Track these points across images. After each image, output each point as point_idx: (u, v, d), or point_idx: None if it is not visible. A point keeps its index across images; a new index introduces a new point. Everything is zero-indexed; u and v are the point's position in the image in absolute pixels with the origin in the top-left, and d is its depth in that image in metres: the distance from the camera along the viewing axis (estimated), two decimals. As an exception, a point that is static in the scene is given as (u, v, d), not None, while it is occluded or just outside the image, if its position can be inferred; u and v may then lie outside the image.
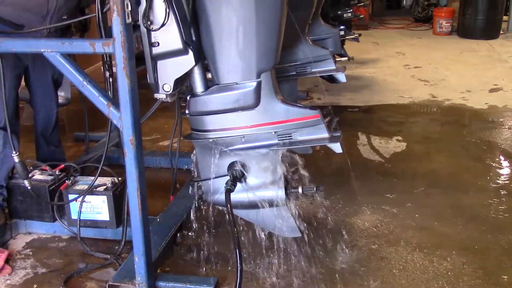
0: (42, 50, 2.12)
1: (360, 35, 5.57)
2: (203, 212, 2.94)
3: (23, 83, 3.04)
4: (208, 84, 2.32)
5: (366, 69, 6.65)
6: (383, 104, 5.26)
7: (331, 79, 3.73)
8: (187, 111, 2.35)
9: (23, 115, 4.29)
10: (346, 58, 4.78)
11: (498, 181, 3.54)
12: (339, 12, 5.25)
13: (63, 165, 2.98)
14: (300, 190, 2.41)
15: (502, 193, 3.36)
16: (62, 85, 3.33)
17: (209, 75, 2.35)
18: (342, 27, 4.94)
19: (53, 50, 2.11)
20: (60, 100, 3.40)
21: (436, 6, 9.59)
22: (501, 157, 3.94)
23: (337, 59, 3.93)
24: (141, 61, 2.17)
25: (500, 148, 4.13)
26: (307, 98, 5.44)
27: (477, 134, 4.40)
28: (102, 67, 2.51)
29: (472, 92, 5.60)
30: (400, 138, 4.34)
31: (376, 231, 2.92)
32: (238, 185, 2.36)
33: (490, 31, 8.42)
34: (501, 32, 8.59)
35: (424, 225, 2.98)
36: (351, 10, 5.37)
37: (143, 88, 2.20)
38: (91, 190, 2.73)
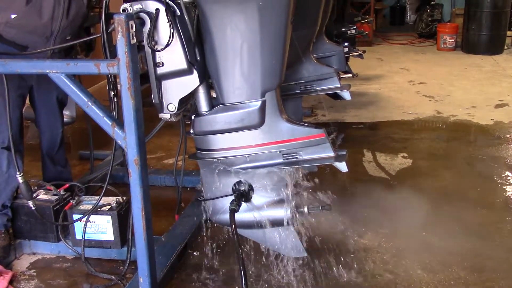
0: (47, 71, 2.13)
1: (364, 51, 5.57)
2: (209, 231, 2.91)
3: (28, 102, 3.05)
4: (213, 103, 2.32)
5: (371, 85, 6.64)
6: (388, 120, 5.25)
7: (336, 96, 3.72)
8: (191, 131, 2.35)
9: (27, 134, 4.30)
10: (350, 75, 4.77)
11: (506, 198, 3.50)
12: (343, 29, 5.26)
13: (67, 185, 2.98)
14: (305, 209, 2.39)
15: (510, 210, 3.32)
16: (67, 104, 3.33)
17: (213, 94, 2.35)
18: (346, 44, 4.94)
19: (58, 71, 2.11)
20: (65, 119, 3.39)
21: (440, 22, 9.61)
22: (508, 174, 3.91)
23: (341, 76, 3.93)
24: (145, 79, 2.17)
25: (507, 164, 4.10)
26: (311, 115, 5.44)
27: (484, 150, 4.38)
28: (106, 86, 2.51)
29: (477, 108, 5.58)
30: (405, 154, 4.32)
31: (382, 249, 2.89)
32: (243, 204, 2.34)
33: (494, 47, 8.42)
34: (506, 47, 8.58)
35: (432, 243, 2.94)
36: (355, 27, 5.38)
37: (147, 106, 2.20)
38: (96, 210, 2.72)
